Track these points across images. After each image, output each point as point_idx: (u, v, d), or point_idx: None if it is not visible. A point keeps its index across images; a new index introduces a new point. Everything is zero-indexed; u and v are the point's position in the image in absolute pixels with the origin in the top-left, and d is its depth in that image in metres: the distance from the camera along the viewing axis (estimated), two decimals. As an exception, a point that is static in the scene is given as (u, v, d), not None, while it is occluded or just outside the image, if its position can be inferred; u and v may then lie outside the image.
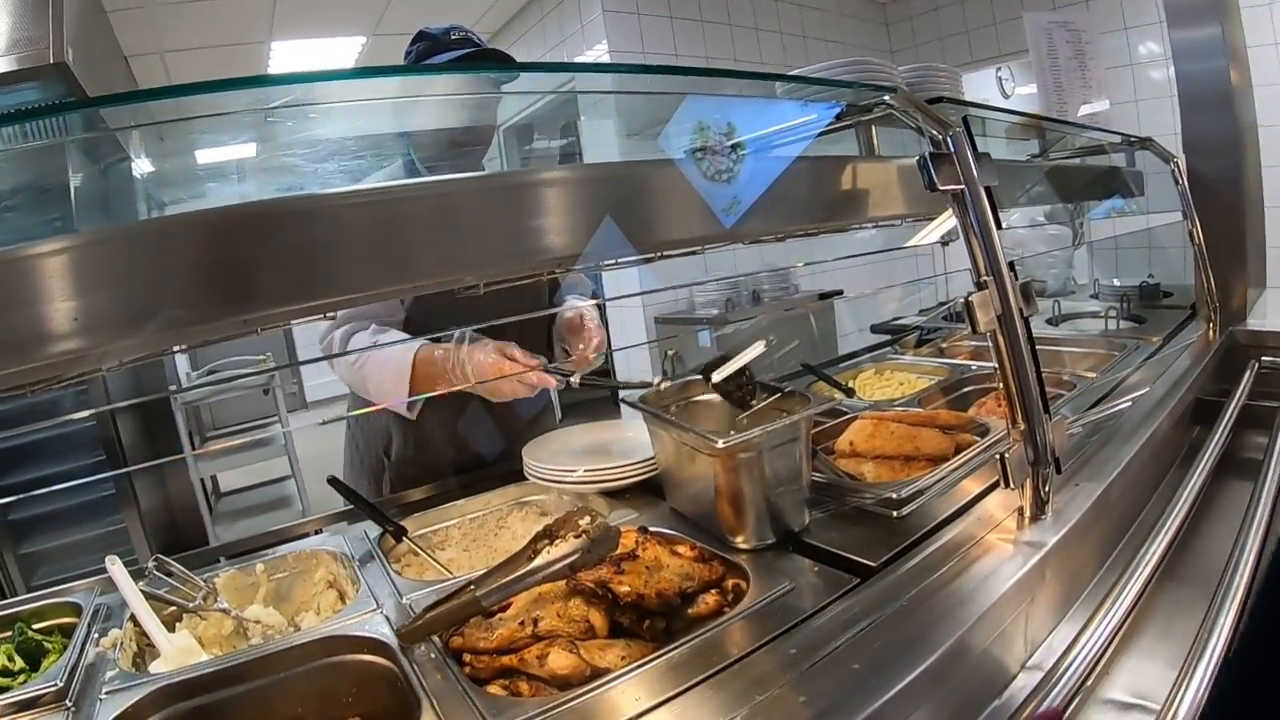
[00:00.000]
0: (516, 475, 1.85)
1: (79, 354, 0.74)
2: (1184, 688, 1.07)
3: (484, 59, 2.01)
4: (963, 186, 1.26)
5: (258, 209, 0.84)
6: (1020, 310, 1.28)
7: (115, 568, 1.44)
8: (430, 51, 2.03)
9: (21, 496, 4.22)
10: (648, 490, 1.70)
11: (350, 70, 0.92)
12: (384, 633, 1.21)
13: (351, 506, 1.89)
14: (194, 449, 5.88)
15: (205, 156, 1.12)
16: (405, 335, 1.96)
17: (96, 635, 1.36)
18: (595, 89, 1.46)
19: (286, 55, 6.36)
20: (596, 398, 6.67)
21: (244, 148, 1.11)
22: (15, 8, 2.73)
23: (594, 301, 2.26)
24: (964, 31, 6.80)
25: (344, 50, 6.58)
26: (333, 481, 1.82)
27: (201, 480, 5.87)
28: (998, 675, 1.14)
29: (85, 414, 3.56)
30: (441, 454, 2.01)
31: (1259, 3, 5.07)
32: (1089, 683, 1.15)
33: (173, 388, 5.75)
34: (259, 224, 0.85)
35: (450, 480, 2.01)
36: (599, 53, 5.47)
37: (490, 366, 1.76)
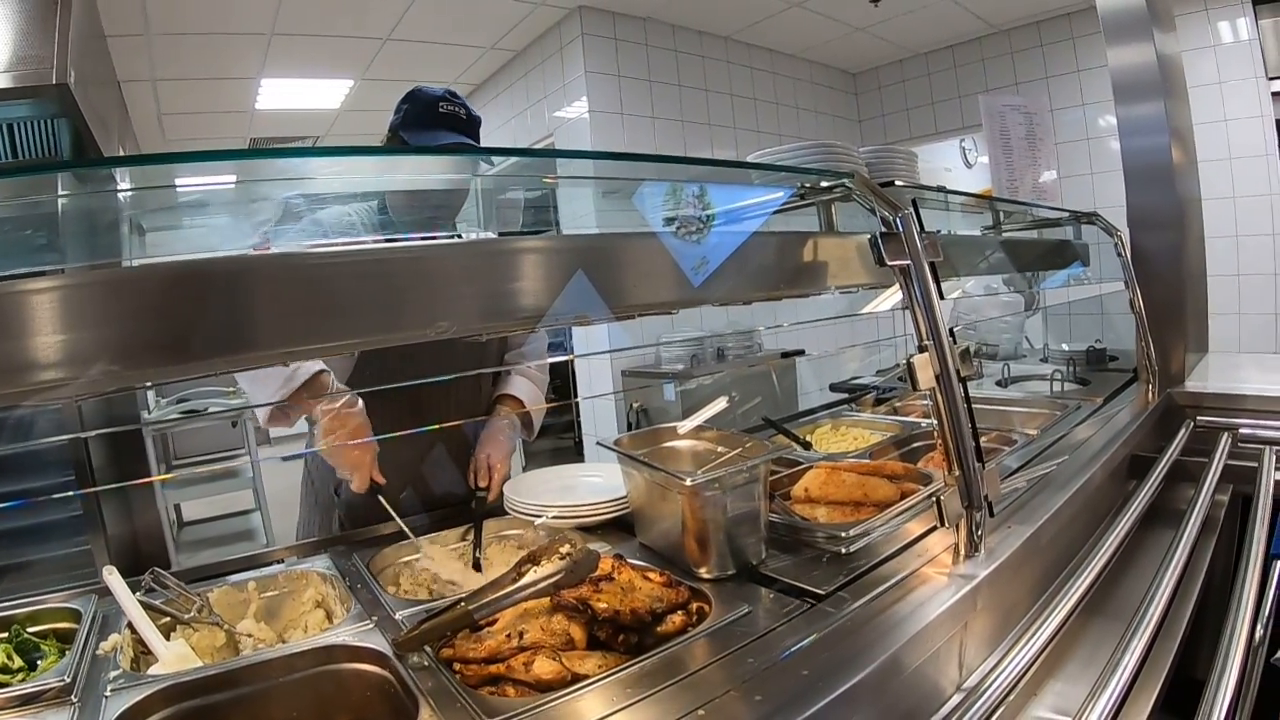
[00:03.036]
0: (459, 519, 1.96)
1: (60, 384, 0.78)
2: (1092, 704, 1.22)
3: (462, 137, 2.07)
4: (909, 262, 1.41)
5: (251, 263, 0.93)
6: (957, 371, 1.41)
7: (113, 577, 1.48)
8: (415, 118, 2.06)
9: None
10: (618, 527, 1.80)
11: (340, 148, 1.01)
12: (380, 643, 1.30)
13: (315, 539, 1.99)
14: (159, 475, 5.88)
15: (184, 183, 1.14)
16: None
17: (95, 640, 1.40)
18: (576, 174, 1.55)
19: (275, 92, 6.42)
20: (559, 446, 6.80)
21: (224, 178, 1.14)
22: (20, 25, 2.81)
23: (546, 363, 2.29)
24: (930, 103, 7.02)
25: (332, 91, 6.63)
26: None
27: (166, 508, 5.88)
28: (934, 694, 1.28)
29: (61, 438, 3.56)
30: (393, 495, 1.95)
31: (1208, 81, 5.34)
32: (1013, 698, 1.28)
33: (145, 414, 5.78)
34: (250, 277, 0.90)
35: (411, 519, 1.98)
36: (579, 109, 5.63)
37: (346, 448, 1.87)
